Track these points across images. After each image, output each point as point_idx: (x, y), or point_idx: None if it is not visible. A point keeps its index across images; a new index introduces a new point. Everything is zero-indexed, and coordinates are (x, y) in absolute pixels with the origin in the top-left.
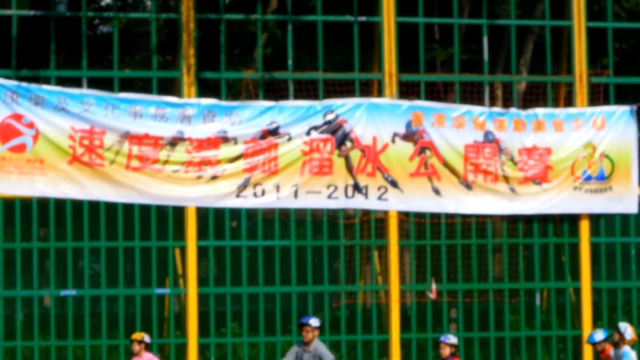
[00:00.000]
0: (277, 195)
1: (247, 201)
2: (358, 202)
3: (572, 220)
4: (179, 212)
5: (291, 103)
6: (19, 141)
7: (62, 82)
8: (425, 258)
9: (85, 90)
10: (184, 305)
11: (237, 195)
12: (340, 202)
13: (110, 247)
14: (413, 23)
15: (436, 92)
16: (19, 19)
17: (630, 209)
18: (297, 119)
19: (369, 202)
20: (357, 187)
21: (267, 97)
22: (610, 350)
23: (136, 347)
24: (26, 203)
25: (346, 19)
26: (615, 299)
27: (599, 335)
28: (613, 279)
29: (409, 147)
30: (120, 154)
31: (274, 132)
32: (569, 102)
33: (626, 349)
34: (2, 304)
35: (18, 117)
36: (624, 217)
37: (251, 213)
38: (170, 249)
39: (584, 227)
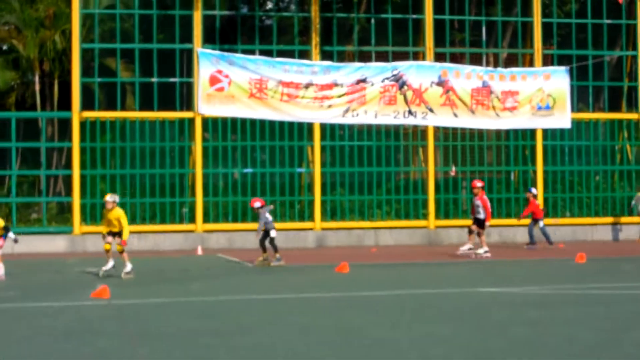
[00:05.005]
0: (365, 116)
1: (348, 120)
2: (411, 121)
3: (532, 131)
4: (310, 125)
5: (373, 64)
6: (220, 85)
7: (244, 52)
8: (448, 152)
9: (257, 57)
10: (312, 178)
11: (343, 116)
12: (400, 121)
13: (272, 145)
14: (442, 19)
15: (456, 58)
16: (220, 16)
17: (566, 125)
18: (376, 73)
19: (417, 121)
20: (410, 112)
21: (360, 60)
22: None
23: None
24: (224, 120)
25: (404, 17)
26: (556, 177)
27: None
28: (555, 165)
29: (439, 90)
30: (277, 92)
31: (363, 81)
32: (531, 64)
33: None
34: (211, 178)
35: (219, 72)
36: (562, 130)
37: (350, 126)
38: (305, 147)
39: (539, 135)
